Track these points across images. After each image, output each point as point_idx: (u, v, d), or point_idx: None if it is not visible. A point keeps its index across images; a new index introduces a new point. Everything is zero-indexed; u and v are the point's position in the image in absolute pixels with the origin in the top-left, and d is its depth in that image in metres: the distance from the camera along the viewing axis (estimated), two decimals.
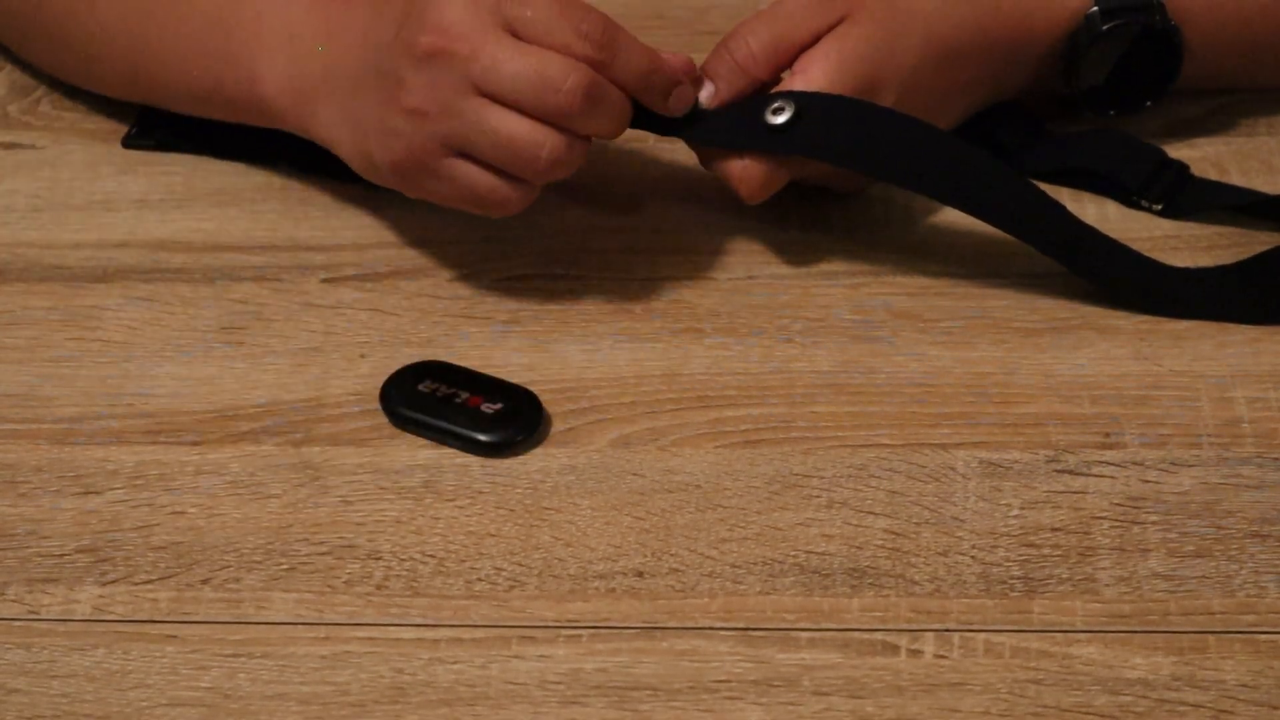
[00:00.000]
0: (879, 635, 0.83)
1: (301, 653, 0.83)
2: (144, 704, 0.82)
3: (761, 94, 0.94)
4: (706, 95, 0.94)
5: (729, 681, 0.81)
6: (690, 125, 0.94)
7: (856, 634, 0.83)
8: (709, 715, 0.80)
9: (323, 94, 0.96)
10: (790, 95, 0.93)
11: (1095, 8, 1.00)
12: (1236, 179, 1.02)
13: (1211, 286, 0.96)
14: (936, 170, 0.94)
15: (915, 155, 0.94)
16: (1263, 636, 0.82)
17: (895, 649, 0.82)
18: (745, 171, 0.94)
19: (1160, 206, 1.00)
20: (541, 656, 0.82)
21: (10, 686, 0.82)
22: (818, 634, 0.83)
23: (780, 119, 0.93)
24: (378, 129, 0.93)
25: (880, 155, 0.94)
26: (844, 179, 0.99)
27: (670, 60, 0.92)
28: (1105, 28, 0.99)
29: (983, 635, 0.82)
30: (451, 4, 0.89)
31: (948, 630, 0.82)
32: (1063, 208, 0.95)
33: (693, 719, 0.80)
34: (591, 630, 0.83)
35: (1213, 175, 1.02)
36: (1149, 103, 1.04)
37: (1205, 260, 0.98)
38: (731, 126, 0.94)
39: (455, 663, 0.82)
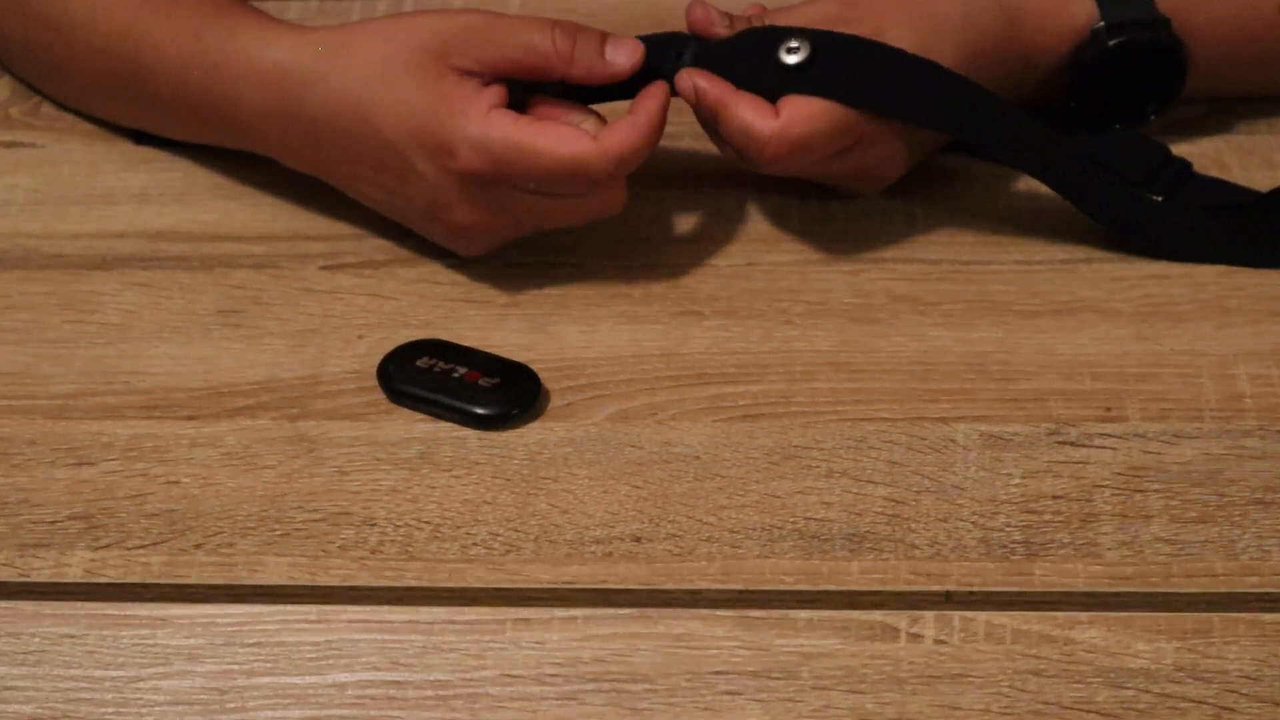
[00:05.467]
0: (878, 616, 0.82)
1: (295, 641, 0.82)
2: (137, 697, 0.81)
3: (775, 30, 0.94)
4: (721, 25, 0.96)
5: (727, 674, 0.80)
6: (703, 62, 0.94)
7: (856, 615, 0.82)
8: (708, 714, 0.79)
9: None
10: (805, 33, 0.93)
11: (1102, 23, 1.00)
12: (1237, 176, 1.02)
13: (1211, 227, 0.96)
14: (952, 106, 0.94)
15: (931, 92, 0.94)
16: (1267, 617, 0.81)
17: (895, 631, 0.81)
18: (774, 135, 0.92)
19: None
20: (537, 643, 0.81)
21: (7, 685, 0.82)
22: (816, 614, 0.82)
23: (795, 59, 0.93)
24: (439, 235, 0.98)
25: (896, 93, 0.94)
26: (861, 181, 0.99)
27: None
28: (1111, 44, 1.00)
29: (984, 615, 0.81)
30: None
31: (949, 607, 0.81)
32: (1071, 144, 0.96)
33: (692, 717, 0.79)
34: (587, 612, 0.82)
35: (1214, 172, 1.02)
36: (1152, 116, 1.04)
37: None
38: (744, 64, 0.94)
39: (451, 650, 0.81)
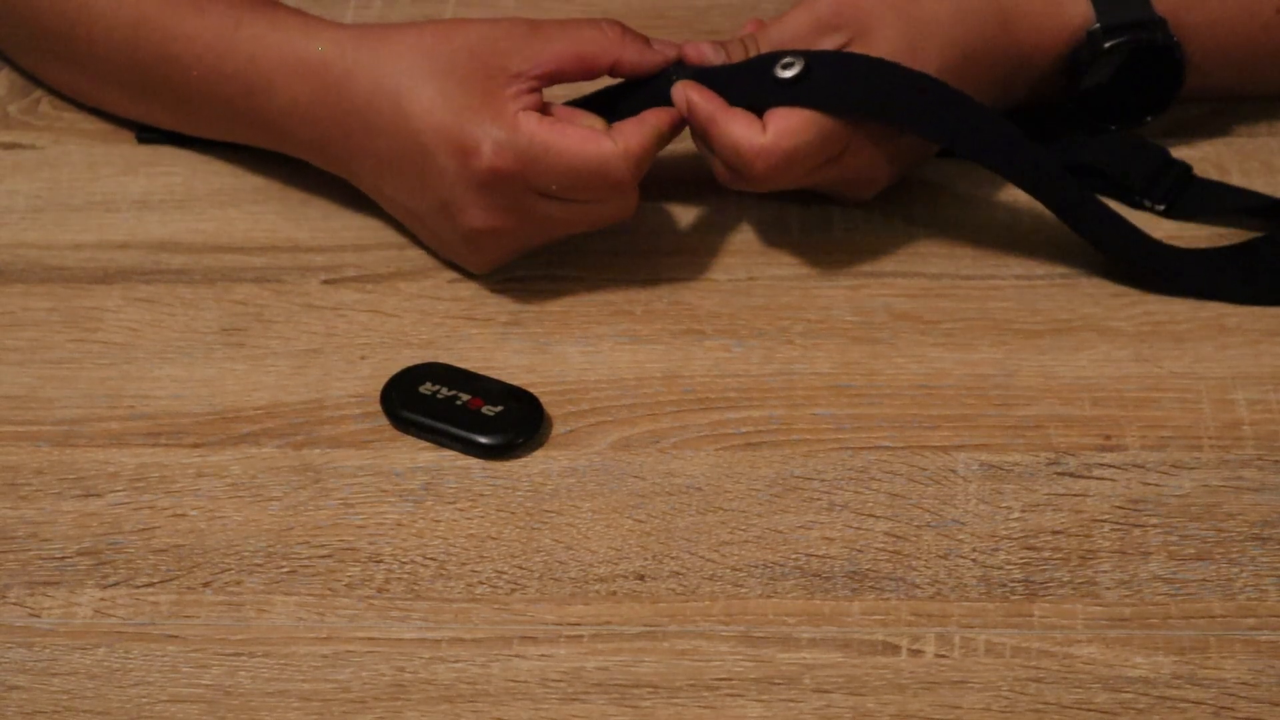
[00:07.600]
0: (880, 636, 0.83)
1: (303, 651, 0.83)
2: (144, 700, 0.82)
3: (770, 52, 0.95)
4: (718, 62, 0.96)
5: (730, 679, 0.82)
6: (699, 79, 0.95)
7: (857, 634, 0.83)
8: (710, 712, 0.81)
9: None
10: (799, 52, 0.94)
11: (1097, 24, 0.99)
12: (1237, 179, 1.02)
13: (1205, 264, 0.96)
14: (944, 116, 0.94)
15: (923, 102, 0.94)
16: (1264, 638, 0.82)
17: (896, 649, 0.82)
18: (763, 150, 0.93)
19: (1163, 207, 1.00)
20: (543, 656, 0.83)
21: (10, 684, 0.83)
22: (818, 631, 0.83)
23: (789, 73, 0.93)
24: (451, 245, 0.98)
25: (889, 102, 0.94)
26: (851, 187, 0.99)
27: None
28: (1106, 45, 0.99)
29: (984, 636, 0.82)
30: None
31: (948, 632, 0.82)
32: (1069, 153, 0.98)
33: (694, 715, 0.80)
34: (593, 631, 0.83)
35: (1214, 175, 1.02)
36: (1149, 118, 1.03)
37: None
38: (740, 79, 0.95)
39: (456, 661, 0.83)
